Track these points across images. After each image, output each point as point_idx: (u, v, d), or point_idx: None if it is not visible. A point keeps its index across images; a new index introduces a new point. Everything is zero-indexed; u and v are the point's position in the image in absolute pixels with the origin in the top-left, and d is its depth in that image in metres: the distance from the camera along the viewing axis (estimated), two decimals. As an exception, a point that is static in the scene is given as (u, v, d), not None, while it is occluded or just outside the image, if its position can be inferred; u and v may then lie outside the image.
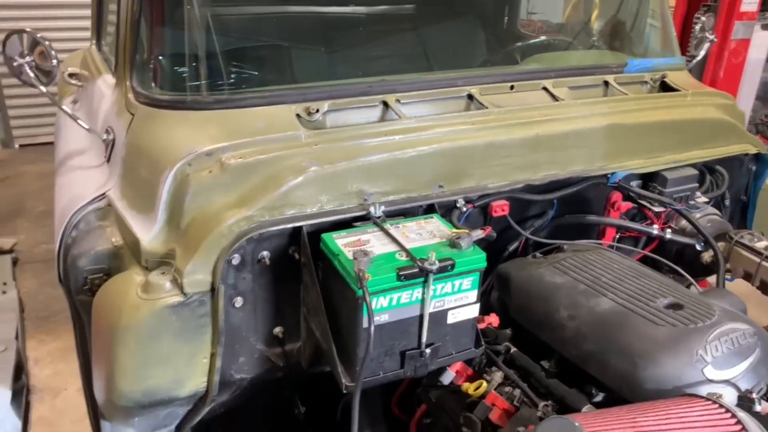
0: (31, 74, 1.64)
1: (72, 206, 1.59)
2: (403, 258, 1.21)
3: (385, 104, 1.57)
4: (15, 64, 1.62)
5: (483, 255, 1.24)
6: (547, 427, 0.91)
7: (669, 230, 1.76)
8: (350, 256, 1.19)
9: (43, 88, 1.65)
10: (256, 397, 1.65)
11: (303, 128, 1.45)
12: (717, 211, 1.85)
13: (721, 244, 1.77)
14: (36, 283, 3.80)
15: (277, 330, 1.44)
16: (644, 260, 1.75)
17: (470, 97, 1.67)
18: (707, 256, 1.77)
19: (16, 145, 6.17)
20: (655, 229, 1.74)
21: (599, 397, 1.32)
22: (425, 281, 1.19)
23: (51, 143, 6.16)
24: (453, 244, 1.25)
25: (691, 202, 1.80)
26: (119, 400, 1.36)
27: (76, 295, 1.51)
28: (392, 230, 1.30)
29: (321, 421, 1.95)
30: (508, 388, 1.39)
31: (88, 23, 3.79)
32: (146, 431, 1.58)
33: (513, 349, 1.49)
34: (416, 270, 1.17)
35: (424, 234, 1.31)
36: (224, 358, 1.37)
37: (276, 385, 1.68)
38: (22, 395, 2.69)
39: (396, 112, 1.55)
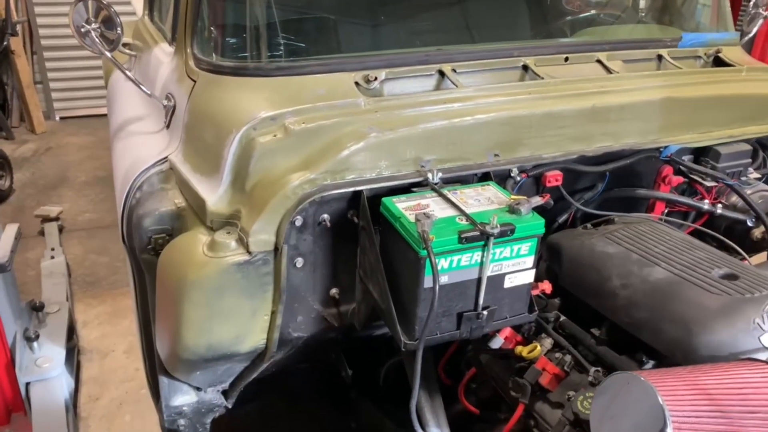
0: (97, 41, 1.69)
1: (135, 169, 1.65)
2: (463, 222, 1.24)
3: (441, 73, 1.59)
4: (82, 30, 1.67)
5: (542, 221, 1.27)
6: (611, 383, 0.94)
7: (720, 205, 1.75)
8: (412, 218, 1.23)
9: (108, 54, 1.70)
10: (307, 357, 1.71)
11: (362, 95, 1.48)
12: (769, 188, 1.84)
13: (772, 221, 1.76)
14: (81, 249, 3.92)
15: (334, 291, 1.48)
16: (693, 235, 1.76)
17: (525, 67, 1.68)
18: (758, 233, 1.77)
19: (57, 117, 6.31)
20: (705, 204, 1.74)
21: (649, 365, 1.34)
22: (485, 245, 1.22)
23: (90, 116, 6.32)
24: (512, 209, 1.27)
25: (743, 178, 1.79)
26: (184, 353, 1.43)
27: (140, 254, 1.57)
28: (450, 196, 1.33)
29: (366, 384, 2.01)
30: (558, 354, 1.43)
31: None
32: (203, 386, 1.65)
33: (562, 317, 1.52)
34: (477, 233, 1.20)
35: (482, 200, 1.33)
36: (284, 316, 1.43)
37: (328, 345, 1.74)
38: (74, 355, 2.80)
39: (453, 81, 1.57)
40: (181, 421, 1.68)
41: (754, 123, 1.81)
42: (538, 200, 1.30)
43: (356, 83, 1.52)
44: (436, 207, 1.30)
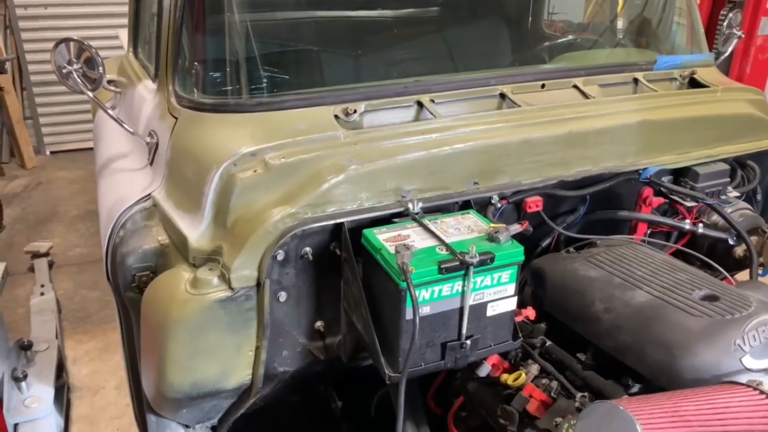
0: (79, 81, 1.71)
1: (118, 207, 1.65)
2: (443, 252, 1.25)
3: (420, 104, 1.61)
4: (64, 71, 1.69)
5: (521, 248, 1.28)
6: (592, 412, 0.94)
7: (701, 225, 1.77)
8: (392, 250, 1.23)
9: (90, 94, 1.72)
10: (295, 391, 1.70)
11: (342, 128, 1.50)
12: (749, 206, 1.86)
13: (753, 238, 1.77)
14: (72, 285, 3.90)
15: (319, 324, 1.48)
16: (676, 255, 1.77)
17: (502, 96, 1.70)
18: (740, 251, 1.78)
19: (48, 152, 6.32)
20: (687, 224, 1.76)
21: (635, 389, 1.34)
22: (466, 274, 1.23)
23: (80, 150, 6.33)
24: (491, 238, 1.28)
25: (723, 197, 1.81)
26: (169, 392, 1.42)
27: (125, 292, 1.57)
28: (431, 226, 1.34)
29: (356, 416, 1.99)
30: (544, 380, 1.42)
31: (112, 32, 3.87)
32: (191, 424, 1.64)
33: (548, 343, 1.52)
34: (457, 263, 1.21)
35: (462, 229, 1.34)
36: (269, 351, 1.42)
37: (315, 378, 1.73)
38: (63, 393, 2.77)
39: (431, 112, 1.59)
40: (170, 459, 1.66)
41: (731, 142, 1.83)
42: (516, 228, 1.31)
43: (336, 116, 1.53)
44: (416, 237, 1.30)
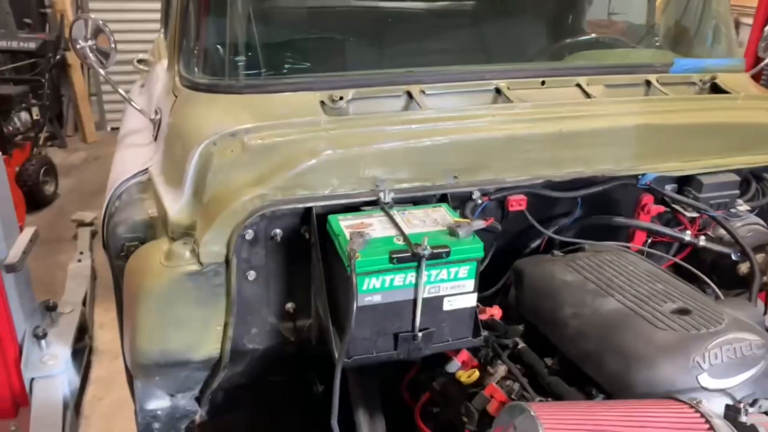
0: (92, 57, 1.79)
1: (119, 179, 1.73)
2: (400, 242, 1.24)
3: (409, 95, 1.60)
4: (78, 47, 1.78)
5: (480, 245, 1.25)
6: (506, 412, 0.92)
7: (703, 237, 1.68)
8: (349, 237, 1.24)
9: (101, 71, 1.79)
10: (272, 370, 1.73)
11: (324, 114, 1.51)
12: (761, 221, 1.74)
13: (760, 256, 1.67)
14: (110, 255, 4.09)
15: (289, 305, 1.50)
16: (679, 269, 1.69)
17: (498, 91, 1.67)
18: (744, 268, 1.68)
19: (109, 128, 6.64)
20: (687, 236, 1.67)
21: (599, 398, 1.29)
22: (418, 266, 1.22)
23: (139, 127, 6.56)
24: (452, 232, 1.27)
25: (732, 210, 1.71)
26: (139, 358, 1.47)
27: (115, 261, 1.64)
28: (397, 216, 1.33)
29: (341, 399, 2.00)
30: (509, 382, 1.40)
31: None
32: (171, 392, 1.70)
33: (521, 345, 1.49)
34: (409, 254, 1.20)
35: (428, 221, 1.33)
36: (237, 327, 1.46)
37: (288, 359, 1.75)
38: (83, 355, 2.92)
39: (418, 103, 1.58)
40: (156, 425, 1.72)
41: (745, 153, 1.72)
42: (480, 223, 1.29)
43: (322, 102, 1.55)
44: (379, 226, 1.30)
